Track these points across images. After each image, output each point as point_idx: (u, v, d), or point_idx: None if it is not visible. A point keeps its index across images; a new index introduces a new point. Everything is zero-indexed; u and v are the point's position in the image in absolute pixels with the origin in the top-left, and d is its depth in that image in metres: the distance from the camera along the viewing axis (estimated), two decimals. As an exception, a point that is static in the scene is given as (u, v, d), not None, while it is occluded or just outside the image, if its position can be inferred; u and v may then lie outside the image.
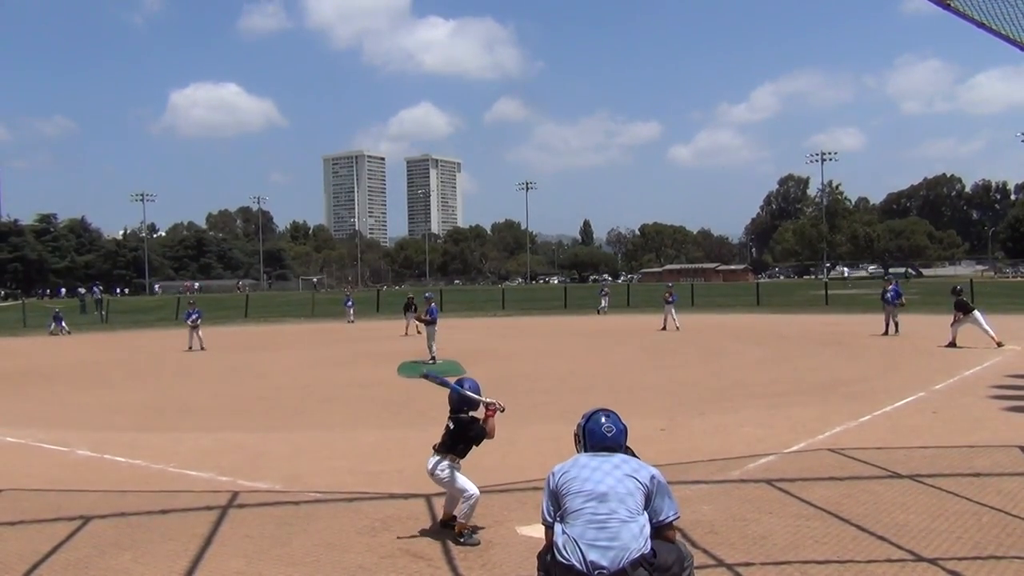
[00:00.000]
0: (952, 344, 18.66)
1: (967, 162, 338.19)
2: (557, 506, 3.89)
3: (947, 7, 6.67)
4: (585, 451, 4.06)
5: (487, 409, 5.83)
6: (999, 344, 18.11)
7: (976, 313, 19.18)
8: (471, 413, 5.91)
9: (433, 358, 18.28)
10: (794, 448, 8.62)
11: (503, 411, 5.86)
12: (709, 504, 6.44)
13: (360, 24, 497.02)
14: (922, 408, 10.99)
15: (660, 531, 3.85)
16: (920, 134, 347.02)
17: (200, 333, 24.25)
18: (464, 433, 5.83)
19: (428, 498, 6.72)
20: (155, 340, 29.49)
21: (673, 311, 27.60)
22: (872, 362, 16.74)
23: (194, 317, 24.23)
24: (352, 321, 37.54)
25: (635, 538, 3.66)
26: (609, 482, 3.78)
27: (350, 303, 39.58)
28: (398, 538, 5.83)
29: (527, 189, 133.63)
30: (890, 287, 23.50)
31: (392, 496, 7.02)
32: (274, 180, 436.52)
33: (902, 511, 6.13)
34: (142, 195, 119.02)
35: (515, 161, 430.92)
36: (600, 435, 4.05)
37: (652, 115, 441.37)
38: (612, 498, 3.73)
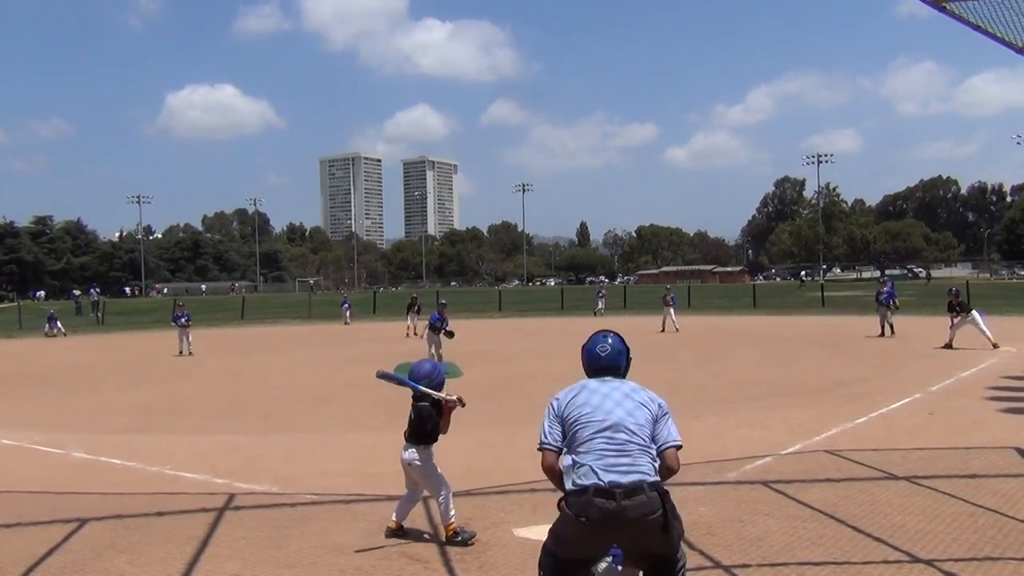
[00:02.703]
0: (948, 346, 18.70)
1: (963, 164, 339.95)
2: (563, 433, 3.76)
3: (942, 9, 6.70)
4: (585, 372, 3.98)
5: (445, 404, 5.72)
6: (995, 346, 18.15)
7: (975, 313, 19.23)
8: (438, 395, 5.70)
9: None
10: (791, 449, 8.63)
11: (463, 407, 5.72)
12: (705, 505, 6.44)
13: (357, 26, 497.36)
14: (918, 409, 11.01)
15: (664, 456, 3.75)
16: (916, 136, 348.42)
17: (190, 337, 23.52)
18: (422, 424, 5.74)
19: (425, 500, 6.71)
20: (151, 342, 29.41)
21: (672, 313, 27.65)
22: (868, 363, 16.77)
23: (183, 320, 23.77)
24: (348, 323, 37.46)
25: (651, 464, 3.63)
26: (620, 413, 3.68)
27: (347, 305, 39.49)
28: (395, 540, 5.82)
29: (523, 191, 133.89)
30: (885, 288, 23.58)
31: (389, 498, 6.99)
32: (270, 182, 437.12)
33: (898, 512, 6.14)
34: (138, 197, 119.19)
35: (512, 163, 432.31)
36: (594, 355, 3.96)
37: (648, 117, 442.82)
38: (626, 428, 3.64)
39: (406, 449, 5.81)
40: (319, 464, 8.72)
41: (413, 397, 5.86)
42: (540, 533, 5.79)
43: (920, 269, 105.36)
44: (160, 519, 6.50)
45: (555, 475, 3.75)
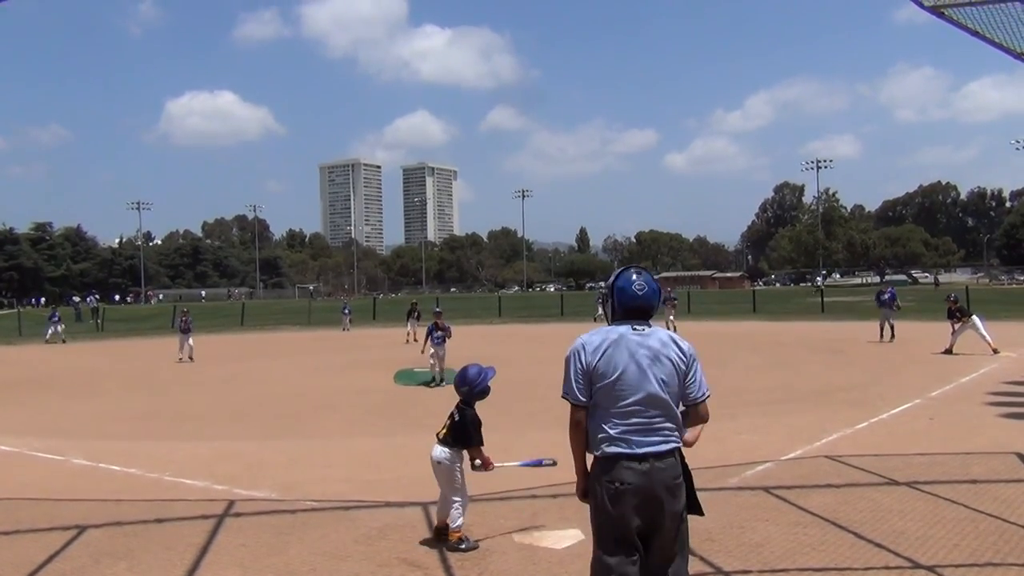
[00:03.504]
0: (948, 351, 18.71)
1: (962, 169, 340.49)
2: (589, 390, 3.54)
3: (940, 15, 6.72)
4: (614, 314, 3.70)
5: (484, 460, 5.89)
6: (995, 351, 18.15)
7: (975, 319, 19.24)
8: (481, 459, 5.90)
9: (434, 379, 15.80)
10: (791, 455, 8.62)
11: (486, 469, 5.93)
12: (706, 511, 6.42)
13: (356, 33, 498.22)
14: (919, 415, 11.01)
15: (697, 410, 3.67)
16: (915, 142, 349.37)
17: (191, 342, 23.37)
18: (464, 428, 5.84)
19: (425, 506, 6.70)
20: (150, 348, 29.40)
21: (672, 316, 27.78)
22: (868, 369, 16.76)
23: (186, 324, 23.66)
24: (347, 329, 37.42)
25: (677, 429, 3.57)
26: (654, 386, 3.50)
27: (346, 311, 39.50)
28: (394, 547, 5.81)
29: (523, 197, 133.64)
30: (888, 290, 23.76)
31: (389, 504, 7.00)
32: (270, 188, 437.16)
33: (899, 518, 6.14)
34: (138, 203, 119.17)
35: (511, 169, 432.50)
36: (631, 294, 3.63)
37: (648, 123, 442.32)
38: (659, 400, 3.52)
39: (438, 448, 5.89)
40: (319, 470, 8.70)
41: (461, 400, 5.98)
42: (540, 539, 5.80)
43: (926, 274, 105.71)
44: (160, 526, 6.49)
45: (582, 432, 3.59)
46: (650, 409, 3.50)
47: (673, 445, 3.54)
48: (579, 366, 3.57)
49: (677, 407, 3.59)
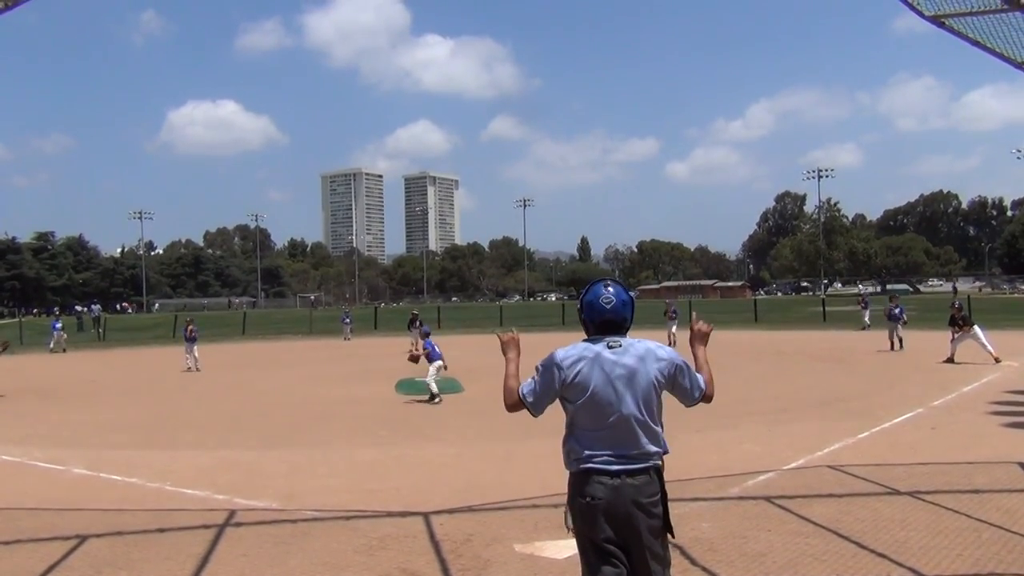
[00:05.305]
0: (950, 360, 18.68)
1: (963, 179, 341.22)
2: (545, 403, 3.53)
3: (941, 25, 6.74)
4: (587, 330, 3.62)
5: None
6: (997, 360, 18.12)
7: (976, 328, 19.22)
8: None
9: (433, 395, 14.80)
10: (793, 465, 8.61)
11: None
12: (708, 521, 6.42)
13: (359, 42, 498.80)
14: (921, 424, 10.99)
15: (704, 397, 3.72)
16: (916, 151, 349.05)
17: (196, 352, 23.39)
18: None
19: (426, 516, 6.69)
20: (152, 358, 29.42)
21: (674, 327, 27.73)
22: (870, 378, 16.74)
23: (190, 334, 23.73)
24: (348, 339, 37.41)
25: (655, 443, 3.48)
26: (630, 406, 3.43)
27: (348, 320, 39.49)
28: (395, 556, 5.80)
29: (524, 206, 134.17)
30: (895, 305, 24.01)
31: (389, 514, 6.98)
32: (272, 198, 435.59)
33: (902, 528, 6.12)
34: (140, 213, 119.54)
35: (513, 178, 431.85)
36: (599, 308, 3.54)
37: (649, 132, 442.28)
38: (635, 419, 3.44)
39: None
40: (320, 480, 8.70)
41: None
42: (541, 549, 5.79)
43: (940, 282, 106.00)
44: (160, 536, 6.48)
45: (514, 407, 3.61)
46: (627, 429, 3.44)
47: (645, 464, 3.46)
48: (550, 378, 3.51)
49: (657, 423, 3.53)
